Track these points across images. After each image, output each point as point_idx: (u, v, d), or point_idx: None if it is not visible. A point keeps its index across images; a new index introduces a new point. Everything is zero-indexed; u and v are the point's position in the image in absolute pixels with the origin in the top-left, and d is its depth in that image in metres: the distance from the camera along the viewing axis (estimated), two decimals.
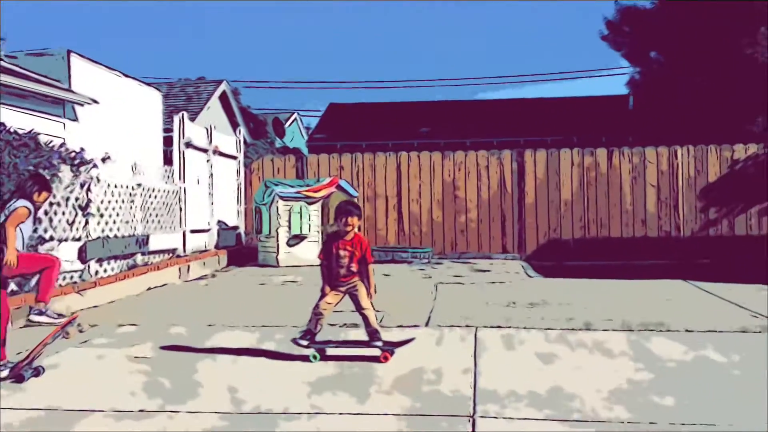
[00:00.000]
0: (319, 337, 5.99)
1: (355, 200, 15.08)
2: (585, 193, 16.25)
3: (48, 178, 8.64)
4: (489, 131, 23.31)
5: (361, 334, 6.15)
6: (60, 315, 6.48)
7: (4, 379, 5.29)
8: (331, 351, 5.97)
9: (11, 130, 8.25)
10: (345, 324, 7.03)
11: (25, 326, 7.47)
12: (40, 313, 5.31)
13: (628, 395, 4.81)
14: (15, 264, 5.12)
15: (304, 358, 5.90)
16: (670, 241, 15.87)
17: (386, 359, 5.75)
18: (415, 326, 7.40)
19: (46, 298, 5.34)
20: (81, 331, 6.58)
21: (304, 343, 5.89)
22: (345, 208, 5.97)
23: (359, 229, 6.20)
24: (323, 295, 5.98)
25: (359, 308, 5.90)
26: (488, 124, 24.14)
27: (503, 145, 18.25)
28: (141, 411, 4.60)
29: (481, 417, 4.36)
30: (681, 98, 20.97)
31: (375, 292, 5.99)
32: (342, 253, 5.89)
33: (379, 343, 5.84)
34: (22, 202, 5.42)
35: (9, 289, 5.56)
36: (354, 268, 5.90)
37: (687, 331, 7.04)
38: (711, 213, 15.93)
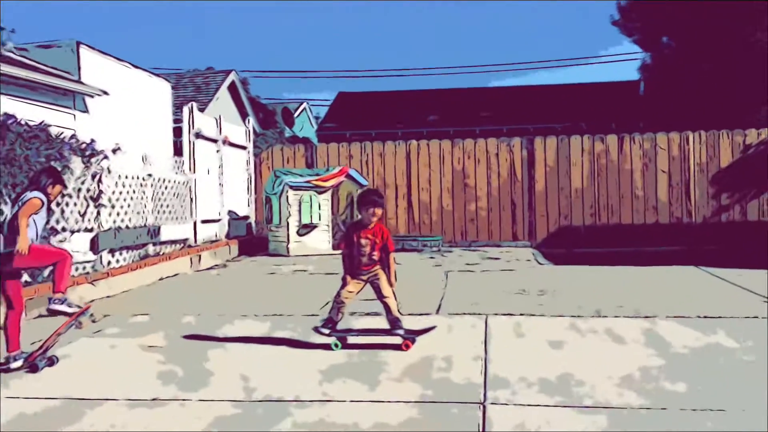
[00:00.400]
0: (340, 326, 5.99)
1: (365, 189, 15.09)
2: (596, 180, 16.17)
3: (60, 170, 8.69)
4: (499, 119, 23.23)
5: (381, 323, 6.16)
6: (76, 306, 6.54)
7: (19, 368, 5.35)
8: (352, 339, 5.97)
9: (22, 122, 8.30)
10: (367, 313, 7.00)
11: (38, 317, 7.55)
12: (60, 302, 5.36)
13: (639, 381, 4.80)
14: (26, 252, 5.17)
15: (315, 346, 5.93)
16: (681, 227, 15.79)
17: (408, 347, 5.74)
18: (426, 314, 7.41)
19: (62, 288, 5.39)
20: (94, 321, 6.63)
21: (326, 331, 5.89)
22: (371, 199, 5.93)
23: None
24: (344, 283, 5.94)
25: (380, 296, 5.88)
26: (498, 112, 24.04)
27: (513, 133, 18.19)
28: (154, 399, 4.64)
29: (492, 404, 4.37)
30: (692, 83, 20.79)
31: (396, 280, 5.95)
32: (364, 241, 5.85)
33: (401, 332, 5.83)
34: (35, 194, 5.46)
35: (22, 280, 5.60)
36: (376, 256, 5.88)
37: (699, 317, 7.01)
38: (723, 199, 15.81)
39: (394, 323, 5.85)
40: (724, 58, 20.01)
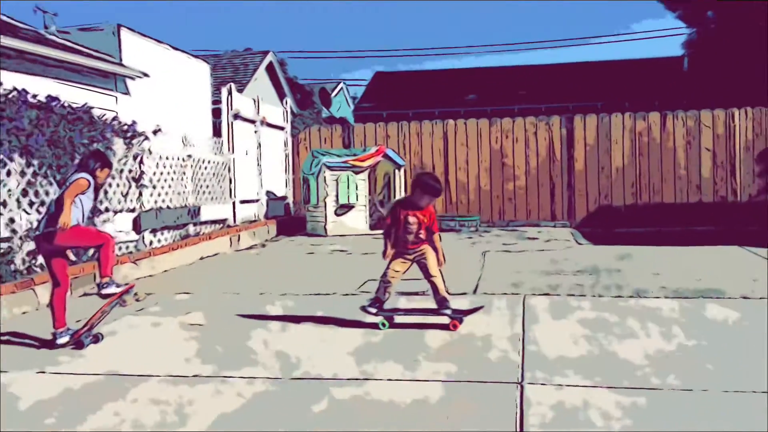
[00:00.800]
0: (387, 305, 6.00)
1: (402, 169, 15.07)
2: (637, 158, 15.88)
3: (104, 152, 8.86)
4: (537, 97, 22.92)
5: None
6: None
7: (66, 345, 5.50)
8: (399, 319, 5.98)
9: (66, 104, 8.47)
10: (414, 292, 7.01)
11: (83, 295, 7.75)
12: (108, 285, 5.51)
13: (680, 362, 4.74)
14: (67, 227, 5.30)
15: (353, 324, 5.97)
16: (725, 207, 15.44)
17: (455, 327, 5.71)
18: (463, 294, 7.40)
19: (108, 272, 5.53)
20: (137, 300, 6.76)
21: (373, 310, 5.89)
22: (431, 186, 5.79)
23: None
24: (390, 262, 5.91)
25: (428, 276, 5.84)
26: (537, 90, 23.72)
27: (552, 111, 17.92)
28: (195, 376, 4.73)
29: (530, 383, 4.36)
30: (738, 59, 20.19)
31: (444, 260, 5.90)
32: (412, 220, 5.78)
33: (449, 311, 5.81)
34: (82, 175, 5.58)
35: (69, 259, 5.74)
36: (423, 235, 5.82)
37: (743, 297, 6.87)
38: None
39: (442, 303, 5.83)
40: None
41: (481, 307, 6.10)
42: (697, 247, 10.94)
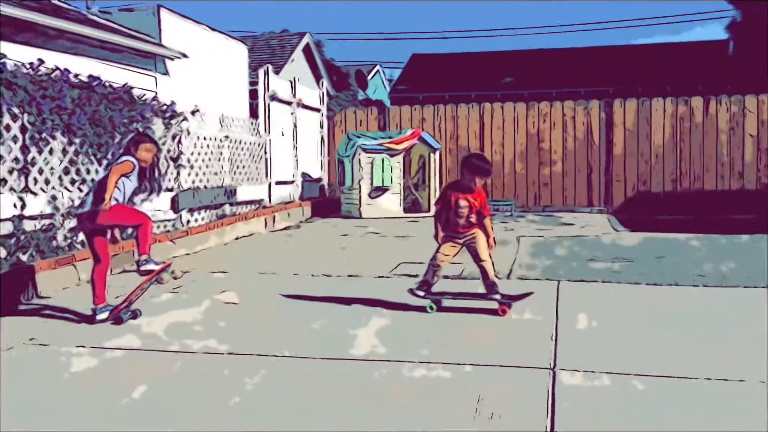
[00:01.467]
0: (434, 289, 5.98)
1: (438, 152, 15.00)
2: (677, 143, 15.58)
3: (143, 131, 8.99)
4: (576, 81, 22.56)
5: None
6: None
7: (105, 320, 5.63)
8: (447, 303, 5.97)
9: (106, 83, 8.60)
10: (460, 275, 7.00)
11: (121, 272, 7.91)
12: (147, 263, 5.63)
13: (715, 353, 4.67)
14: (108, 207, 5.42)
15: (387, 306, 6.00)
16: None
17: (504, 313, 5.64)
18: (497, 278, 7.37)
19: (147, 249, 5.66)
20: (175, 278, 6.90)
21: (421, 293, 5.88)
22: (481, 168, 5.73)
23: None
24: (440, 245, 5.88)
25: (477, 260, 5.79)
26: (575, 74, 23.34)
27: (591, 96, 17.65)
28: (230, 354, 4.81)
29: (562, 369, 4.34)
30: None
31: (495, 244, 5.86)
32: (462, 203, 5.72)
33: (498, 296, 5.75)
34: (128, 157, 5.70)
35: (108, 236, 5.87)
36: (473, 219, 5.77)
37: None
38: None
39: (491, 288, 5.77)
40: None
41: (530, 293, 5.97)
42: (738, 236, 10.72)
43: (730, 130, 15.38)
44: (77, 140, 7.99)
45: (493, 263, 5.84)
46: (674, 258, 8.64)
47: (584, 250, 9.47)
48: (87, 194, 5.87)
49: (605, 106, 15.98)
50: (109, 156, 8.34)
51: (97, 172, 8.20)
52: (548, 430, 3.44)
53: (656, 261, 8.44)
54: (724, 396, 3.89)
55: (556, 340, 5.02)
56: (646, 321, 5.55)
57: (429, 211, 14.75)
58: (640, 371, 4.27)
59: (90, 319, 5.68)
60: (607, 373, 4.26)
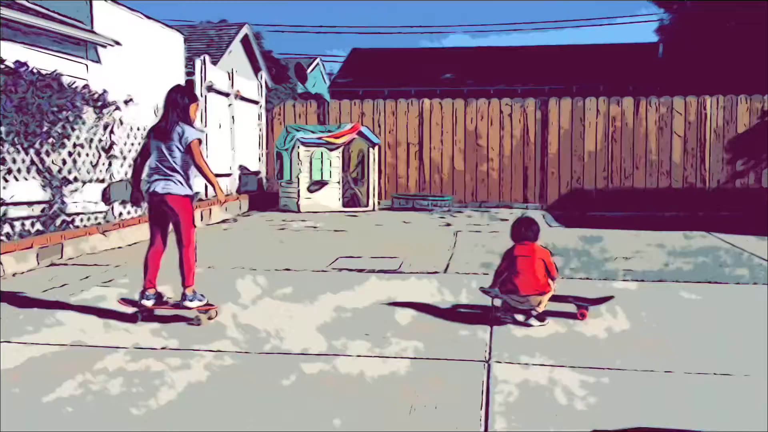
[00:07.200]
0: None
1: (377, 147, 15.02)
2: (610, 143, 16.03)
3: (72, 120, 8.70)
4: (513, 79, 22.94)
5: None
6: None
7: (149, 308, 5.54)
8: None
9: (34, 70, 8.28)
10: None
11: (50, 265, 7.62)
12: (193, 298, 5.54)
13: (647, 345, 4.83)
14: (224, 200, 5.77)
15: (328, 300, 5.98)
16: (695, 193, 15.69)
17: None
18: (434, 273, 7.45)
19: (191, 281, 5.66)
20: (210, 319, 6.64)
21: (493, 293, 5.65)
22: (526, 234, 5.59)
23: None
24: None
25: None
26: (513, 72, 23.72)
27: (528, 93, 17.99)
28: (163, 348, 4.71)
29: (497, 362, 4.42)
30: (712, 46, 20.41)
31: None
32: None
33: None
34: (192, 133, 5.41)
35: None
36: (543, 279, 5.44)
37: (708, 282, 7.01)
38: (738, 165, 15.67)
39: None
40: (744, 19, 19.59)
41: (611, 297, 5.86)
42: (665, 232, 11.10)
43: (659, 130, 15.92)
44: (2, 128, 7.66)
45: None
46: (603, 253, 8.89)
47: None
48: (159, 174, 5.72)
49: (541, 105, 16.30)
50: (37, 145, 8.04)
51: (23, 161, 7.88)
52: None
53: (587, 256, 8.68)
54: (649, 386, 4.03)
55: (491, 333, 5.10)
56: (573, 314, 5.70)
57: (368, 205, 14.77)
58: (573, 363, 4.39)
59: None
60: (540, 365, 4.36)
